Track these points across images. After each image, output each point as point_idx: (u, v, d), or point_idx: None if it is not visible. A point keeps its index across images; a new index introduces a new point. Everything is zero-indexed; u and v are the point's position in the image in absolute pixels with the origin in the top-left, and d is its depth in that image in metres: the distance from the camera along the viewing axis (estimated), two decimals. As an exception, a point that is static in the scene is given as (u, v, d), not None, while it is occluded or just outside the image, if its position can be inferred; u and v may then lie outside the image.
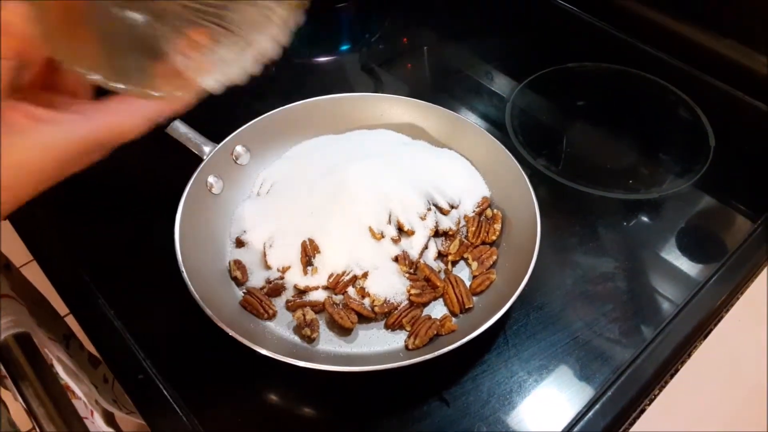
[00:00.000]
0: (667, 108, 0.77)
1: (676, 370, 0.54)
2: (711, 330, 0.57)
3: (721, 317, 0.58)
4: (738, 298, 0.59)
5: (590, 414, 0.50)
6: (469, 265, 0.58)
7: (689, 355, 0.55)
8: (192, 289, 0.49)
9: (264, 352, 0.46)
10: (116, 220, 0.64)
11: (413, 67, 0.87)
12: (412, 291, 0.55)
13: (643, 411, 0.52)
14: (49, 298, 0.87)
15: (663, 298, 0.58)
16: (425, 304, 0.55)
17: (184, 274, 0.50)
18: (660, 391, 0.53)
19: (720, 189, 0.67)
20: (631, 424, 0.51)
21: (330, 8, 0.94)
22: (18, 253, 0.86)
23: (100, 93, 0.33)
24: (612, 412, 0.50)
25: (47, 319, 0.82)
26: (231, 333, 0.47)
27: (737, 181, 0.69)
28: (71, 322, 0.87)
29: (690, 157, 0.70)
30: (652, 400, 0.52)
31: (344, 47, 0.92)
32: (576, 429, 0.49)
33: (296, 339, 0.53)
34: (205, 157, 0.60)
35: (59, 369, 0.75)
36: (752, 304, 0.59)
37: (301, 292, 0.55)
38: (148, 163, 0.69)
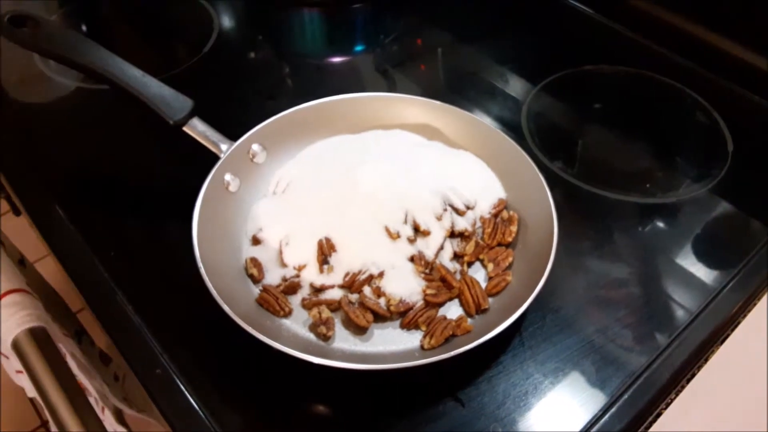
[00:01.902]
0: (684, 112, 0.77)
1: (693, 375, 0.54)
2: (728, 336, 0.56)
3: (738, 323, 0.57)
4: (755, 304, 0.58)
5: (606, 417, 0.50)
6: (484, 266, 0.58)
7: (706, 360, 0.55)
8: (210, 285, 0.50)
9: (280, 347, 0.47)
10: (134, 217, 0.65)
11: (427, 68, 0.87)
12: (428, 291, 0.55)
13: (659, 415, 0.51)
14: (60, 294, 0.88)
15: (679, 304, 0.58)
16: (441, 305, 0.55)
17: (202, 271, 0.51)
18: (676, 395, 0.53)
19: (738, 195, 0.67)
20: (647, 428, 0.51)
21: (345, 9, 0.95)
22: (30, 249, 0.87)
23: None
24: (627, 416, 0.50)
25: (60, 315, 0.82)
26: (247, 328, 0.47)
27: (755, 186, 0.68)
28: (82, 319, 0.88)
29: (708, 161, 0.70)
30: (668, 405, 0.52)
31: (358, 48, 0.92)
32: (592, 432, 0.49)
33: (312, 337, 0.53)
34: (222, 155, 0.60)
35: (72, 365, 0.75)
36: (769, 310, 0.58)
37: (317, 290, 0.56)
38: (165, 161, 0.70)
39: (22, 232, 0.84)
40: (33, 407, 1.38)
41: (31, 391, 0.65)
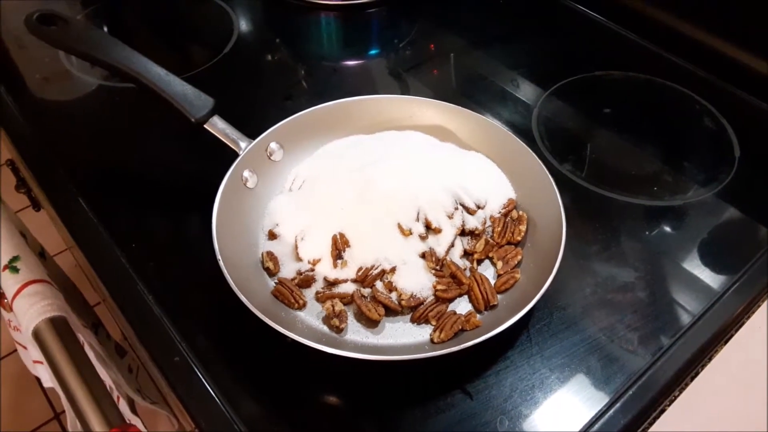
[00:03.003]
0: (692, 118, 0.78)
1: (696, 374, 0.55)
2: (731, 336, 0.58)
3: (742, 324, 0.58)
4: (759, 306, 0.59)
5: (610, 412, 0.51)
6: (494, 264, 0.59)
7: (709, 359, 0.56)
8: (228, 277, 0.51)
9: (295, 337, 0.48)
10: (156, 211, 0.67)
11: (440, 72, 0.88)
12: (439, 287, 0.56)
13: (663, 411, 0.53)
14: (78, 288, 0.90)
15: (683, 305, 0.59)
16: (451, 300, 0.56)
17: (221, 263, 0.52)
18: (680, 392, 0.54)
19: (743, 199, 0.68)
20: (651, 423, 0.52)
21: (360, 13, 0.97)
22: (50, 244, 0.89)
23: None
24: (631, 411, 0.51)
25: (78, 307, 0.84)
26: (264, 319, 0.49)
27: (761, 192, 0.69)
28: (98, 313, 0.90)
29: (714, 166, 0.71)
30: (671, 402, 0.53)
31: (373, 52, 0.94)
32: (596, 426, 0.50)
33: (325, 329, 0.55)
34: (240, 153, 0.62)
35: (90, 355, 0.77)
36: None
37: (331, 284, 0.57)
38: (186, 157, 0.72)
39: (42, 227, 0.87)
40: (46, 399, 1.40)
41: (49, 381, 0.67)
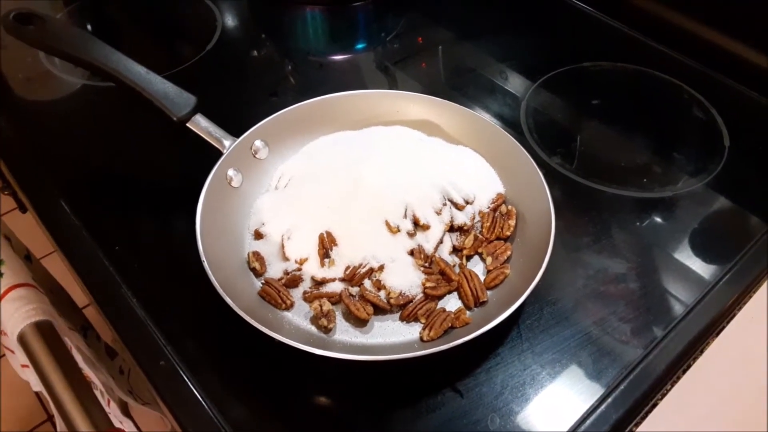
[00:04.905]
0: (681, 108, 0.77)
1: (689, 366, 0.55)
2: (723, 328, 0.57)
3: (734, 315, 0.58)
4: (750, 297, 0.59)
5: (602, 407, 0.50)
6: (483, 259, 0.59)
7: (701, 352, 0.55)
8: (213, 278, 0.50)
9: (282, 339, 0.47)
10: (139, 212, 0.66)
11: (428, 65, 0.87)
12: (428, 284, 0.55)
13: (655, 405, 0.52)
14: (66, 290, 0.89)
15: (675, 297, 0.58)
16: (440, 297, 0.56)
17: (205, 264, 0.51)
18: (672, 386, 0.53)
19: (733, 189, 0.68)
20: (643, 418, 0.52)
21: (347, 7, 0.95)
22: (37, 246, 0.88)
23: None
24: (624, 405, 0.51)
25: (66, 310, 0.83)
26: (250, 321, 0.48)
27: (751, 181, 0.69)
28: (88, 314, 0.89)
29: (704, 156, 0.71)
30: (664, 395, 0.53)
31: (360, 46, 0.93)
32: (588, 422, 0.49)
33: (313, 329, 0.54)
34: (224, 151, 0.61)
35: (78, 358, 0.76)
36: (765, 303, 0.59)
37: (318, 283, 0.56)
38: (170, 156, 0.71)
39: (29, 229, 0.85)
40: (39, 401, 1.39)
41: (37, 385, 0.66)
